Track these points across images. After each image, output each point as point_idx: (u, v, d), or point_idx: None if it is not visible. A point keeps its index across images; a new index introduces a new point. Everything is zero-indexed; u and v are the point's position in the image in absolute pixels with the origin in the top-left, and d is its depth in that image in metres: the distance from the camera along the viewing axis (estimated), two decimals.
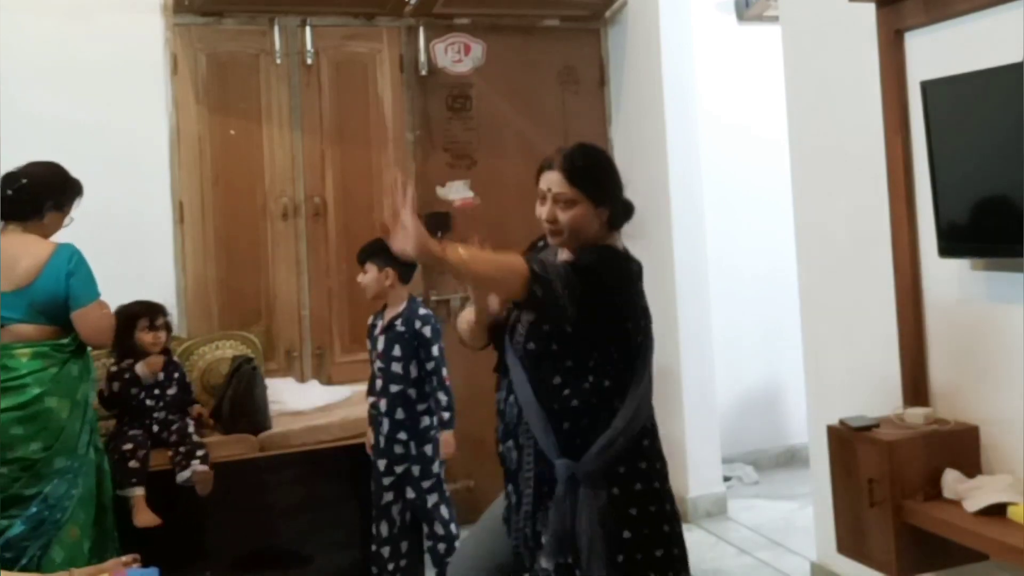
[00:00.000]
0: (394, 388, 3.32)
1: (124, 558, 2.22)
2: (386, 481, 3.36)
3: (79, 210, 3.12)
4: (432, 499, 3.35)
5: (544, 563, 2.10)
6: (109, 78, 3.89)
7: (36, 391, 2.84)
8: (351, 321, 4.20)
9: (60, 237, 3.04)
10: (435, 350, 3.33)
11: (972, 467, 2.71)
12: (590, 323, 2.08)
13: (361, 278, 3.39)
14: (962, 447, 2.73)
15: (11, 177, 2.97)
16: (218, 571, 3.36)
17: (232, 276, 4.07)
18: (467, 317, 2.37)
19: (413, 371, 3.32)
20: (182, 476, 3.25)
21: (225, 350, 3.81)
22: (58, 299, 2.88)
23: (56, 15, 3.83)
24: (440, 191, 4.40)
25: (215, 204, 4.05)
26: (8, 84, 3.67)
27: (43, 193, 2.97)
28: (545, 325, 2.12)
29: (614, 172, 2.27)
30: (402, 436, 3.32)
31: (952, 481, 2.64)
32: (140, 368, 3.33)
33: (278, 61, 4.14)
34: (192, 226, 4.02)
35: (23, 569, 2.70)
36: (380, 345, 3.36)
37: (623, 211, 2.27)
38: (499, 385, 2.31)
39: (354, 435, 3.57)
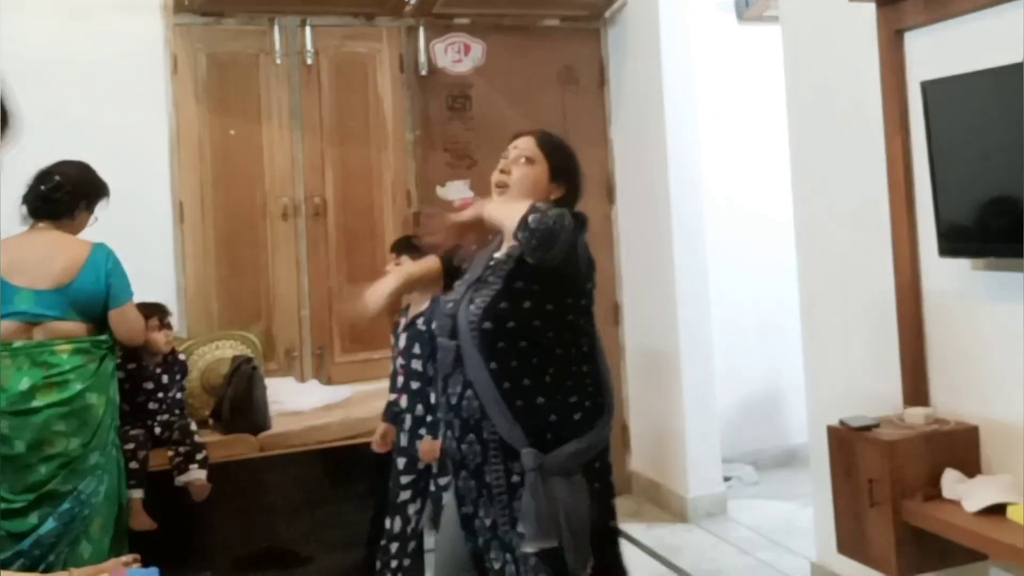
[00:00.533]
0: (414, 385, 3.32)
1: (124, 558, 2.22)
2: (404, 480, 3.36)
3: None
4: (447, 497, 3.35)
5: (528, 548, 2.06)
6: (109, 78, 3.89)
7: (78, 387, 2.84)
8: (351, 321, 4.20)
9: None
10: None
11: (972, 467, 2.71)
12: (557, 288, 2.12)
13: (391, 267, 3.35)
14: (962, 447, 2.73)
15: (46, 175, 2.97)
16: (218, 571, 3.36)
17: (232, 276, 4.07)
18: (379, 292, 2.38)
19: (431, 370, 3.30)
20: (180, 480, 3.26)
21: (225, 350, 3.81)
22: (98, 298, 2.90)
23: (56, 15, 3.84)
24: (440, 191, 4.40)
25: (215, 204, 4.05)
26: (9, 84, 3.67)
27: (77, 192, 2.99)
28: (536, 259, 2.05)
29: (579, 167, 2.35)
30: (423, 432, 3.32)
31: (952, 481, 2.64)
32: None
33: (278, 61, 4.14)
34: (192, 226, 4.02)
35: (49, 567, 2.71)
36: (402, 343, 3.37)
37: (574, 212, 2.24)
38: (446, 381, 2.24)
39: (354, 435, 3.57)
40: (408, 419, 3.33)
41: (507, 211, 2.09)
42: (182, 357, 3.53)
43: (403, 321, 3.42)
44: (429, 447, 3.27)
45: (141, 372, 3.37)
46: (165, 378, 3.40)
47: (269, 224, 4.14)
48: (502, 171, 2.27)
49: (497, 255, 2.25)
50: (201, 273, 4.03)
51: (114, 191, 3.77)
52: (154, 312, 3.39)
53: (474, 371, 2.14)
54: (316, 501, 3.52)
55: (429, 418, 3.30)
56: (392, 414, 3.42)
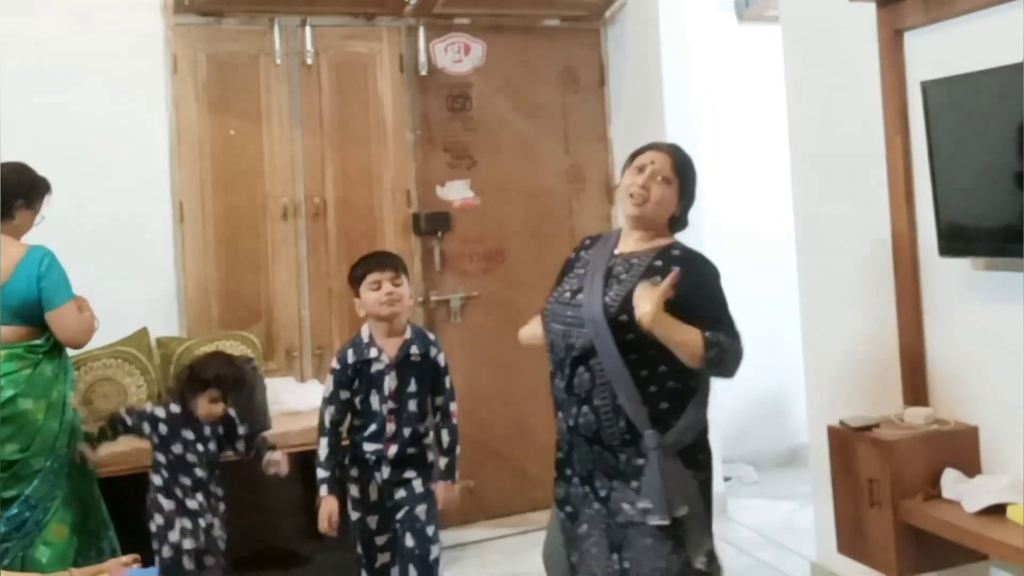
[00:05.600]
0: (407, 431, 2.85)
1: (124, 558, 2.23)
2: (381, 540, 2.88)
3: (78, 210, 3.13)
4: (436, 551, 2.87)
5: (653, 520, 2.22)
6: (109, 78, 3.88)
7: (9, 393, 2.83)
8: (351, 321, 4.19)
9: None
10: (448, 381, 2.93)
11: (972, 467, 2.71)
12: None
13: (389, 288, 2.85)
14: (962, 447, 2.73)
15: None
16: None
17: (232, 276, 4.07)
18: (532, 332, 2.58)
19: (431, 402, 2.91)
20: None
21: (225, 350, 3.80)
22: (30, 301, 2.88)
23: (56, 15, 3.83)
24: (440, 191, 4.40)
25: (215, 204, 4.05)
26: (8, 84, 3.67)
27: (12, 193, 2.96)
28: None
29: (696, 182, 2.48)
30: (409, 475, 2.87)
31: (952, 481, 2.64)
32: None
33: (278, 61, 4.14)
34: (192, 226, 4.02)
35: (5, 570, 2.71)
36: (389, 383, 2.83)
37: (684, 220, 2.51)
38: (561, 366, 2.36)
39: None
40: (388, 470, 2.85)
41: (675, 335, 2.23)
42: (232, 413, 3.18)
43: (383, 357, 2.84)
44: (449, 493, 2.90)
45: (187, 420, 3.08)
46: (209, 430, 3.10)
47: (269, 224, 4.13)
48: (642, 186, 2.38)
49: (618, 251, 2.42)
50: (201, 273, 4.02)
51: (114, 191, 3.80)
52: (218, 384, 3.07)
53: (607, 358, 2.26)
54: (316, 501, 3.51)
55: (432, 455, 2.92)
56: (337, 480, 2.85)
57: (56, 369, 2.97)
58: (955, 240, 2.72)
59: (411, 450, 2.86)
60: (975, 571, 2.70)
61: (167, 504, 3.03)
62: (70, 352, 3.08)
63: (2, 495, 2.80)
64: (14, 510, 2.81)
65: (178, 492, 3.05)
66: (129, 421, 3.07)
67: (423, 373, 2.87)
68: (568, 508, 2.41)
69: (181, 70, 4.03)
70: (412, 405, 2.85)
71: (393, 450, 2.84)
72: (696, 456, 2.33)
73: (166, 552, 2.99)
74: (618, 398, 2.25)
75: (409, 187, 4.34)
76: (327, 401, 2.87)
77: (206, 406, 3.07)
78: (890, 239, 3.01)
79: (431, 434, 2.94)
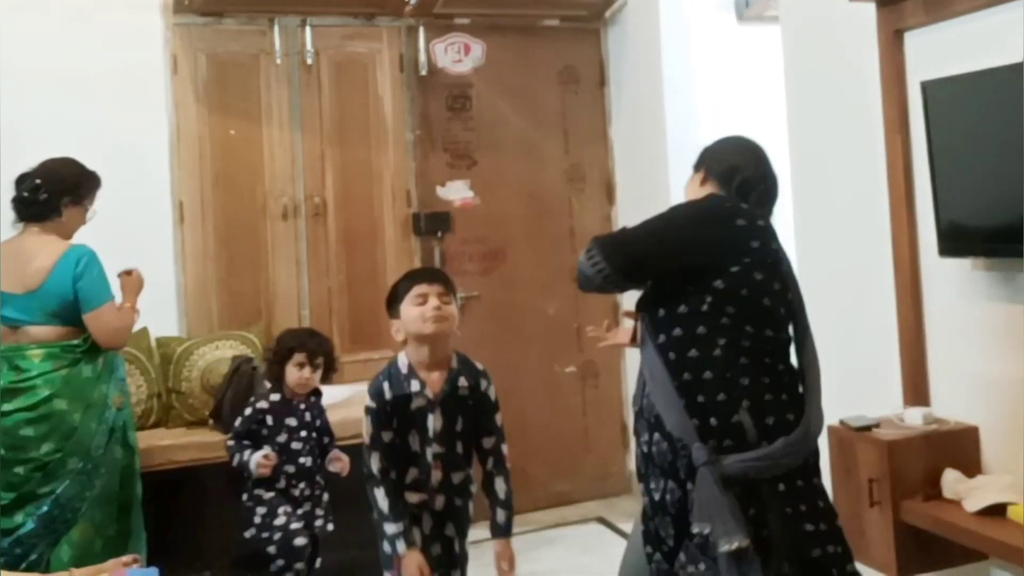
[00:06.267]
0: (456, 477, 2.49)
1: (124, 558, 2.23)
2: None
3: None
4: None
5: (724, 546, 1.91)
6: (109, 78, 3.89)
7: (45, 393, 2.84)
8: (351, 321, 4.20)
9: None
10: (499, 418, 2.55)
11: (972, 467, 2.71)
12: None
13: (453, 309, 2.51)
14: (962, 447, 2.73)
15: (24, 178, 2.96)
16: (218, 571, 3.36)
17: (232, 276, 4.08)
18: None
19: (492, 443, 2.55)
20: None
21: (225, 350, 3.80)
22: (67, 301, 2.88)
23: (56, 16, 3.84)
24: (440, 191, 4.41)
25: (215, 204, 4.06)
26: (9, 84, 3.68)
27: (59, 190, 2.96)
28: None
29: (718, 145, 2.62)
30: (449, 532, 2.52)
31: (952, 481, 2.64)
32: (256, 461, 3.00)
33: (278, 61, 4.15)
34: (192, 226, 4.02)
35: (30, 566, 2.72)
36: (434, 423, 2.45)
37: (726, 170, 2.48)
38: (642, 387, 2.19)
39: (354, 435, 3.56)
40: (429, 523, 2.50)
41: None
42: (324, 402, 3.27)
43: (426, 392, 2.45)
44: (509, 550, 2.57)
45: (286, 406, 3.13)
46: (308, 415, 3.15)
47: (269, 224, 4.14)
48: None
49: None
50: (201, 273, 4.03)
51: (114, 191, 3.77)
52: (301, 348, 3.12)
53: (649, 360, 2.09)
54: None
55: (467, 514, 2.59)
56: (411, 530, 2.45)
57: (97, 369, 2.95)
58: (955, 240, 2.72)
59: (458, 501, 2.52)
60: (975, 571, 2.70)
61: (268, 495, 3.08)
62: None
63: (37, 492, 2.80)
64: (45, 507, 2.81)
65: (281, 482, 3.09)
66: (236, 444, 3.08)
67: (471, 410, 2.50)
68: (665, 548, 2.12)
69: (181, 70, 4.03)
70: (460, 447, 2.49)
71: (440, 501, 2.48)
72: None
73: (276, 536, 3.02)
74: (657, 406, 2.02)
75: (409, 187, 4.34)
76: (370, 447, 2.47)
77: (295, 374, 3.11)
78: (890, 239, 3.01)
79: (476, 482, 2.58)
